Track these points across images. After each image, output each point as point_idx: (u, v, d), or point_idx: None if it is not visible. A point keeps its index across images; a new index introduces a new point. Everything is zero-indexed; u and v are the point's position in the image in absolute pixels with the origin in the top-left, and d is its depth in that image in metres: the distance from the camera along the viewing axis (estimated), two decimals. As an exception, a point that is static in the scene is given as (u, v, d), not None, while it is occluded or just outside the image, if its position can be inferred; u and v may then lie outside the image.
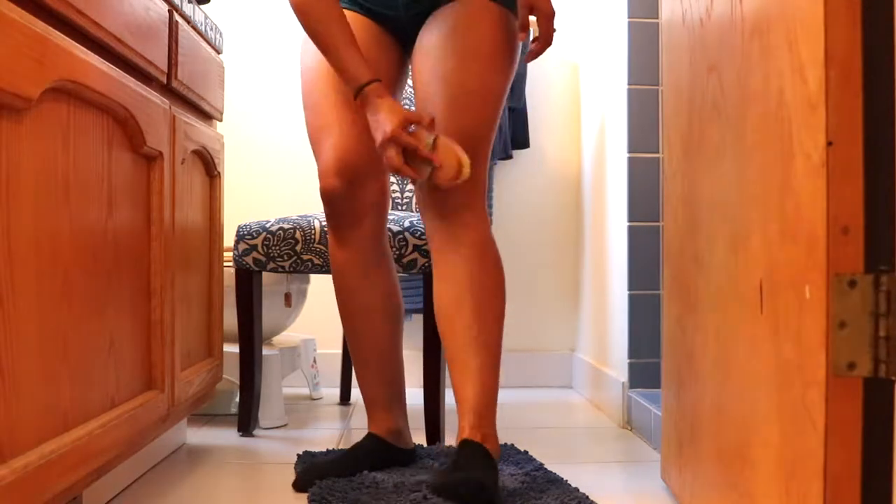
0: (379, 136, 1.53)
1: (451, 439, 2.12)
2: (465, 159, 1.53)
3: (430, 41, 1.66)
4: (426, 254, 2.05)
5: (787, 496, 1.02)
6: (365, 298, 1.76)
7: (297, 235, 2.10)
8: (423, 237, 2.07)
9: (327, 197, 1.69)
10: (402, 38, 1.77)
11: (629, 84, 2.35)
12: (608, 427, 2.34)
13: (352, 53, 1.56)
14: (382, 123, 1.53)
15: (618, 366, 2.44)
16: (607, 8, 2.60)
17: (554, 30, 1.73)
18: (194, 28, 1.79)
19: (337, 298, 1.78)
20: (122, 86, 1.31)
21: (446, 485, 1.46)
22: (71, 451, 1.13)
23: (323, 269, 2.12)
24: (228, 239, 2.48)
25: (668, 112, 1.70)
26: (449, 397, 2.59)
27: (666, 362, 1.72)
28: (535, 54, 1.74)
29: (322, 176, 1.69)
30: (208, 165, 1.93)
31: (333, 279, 1.77)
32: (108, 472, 1.36)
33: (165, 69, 1.57)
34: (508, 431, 2.26)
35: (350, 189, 1.68)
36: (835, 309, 0.92)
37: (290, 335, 2.75)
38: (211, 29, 1.93)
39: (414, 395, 2.75)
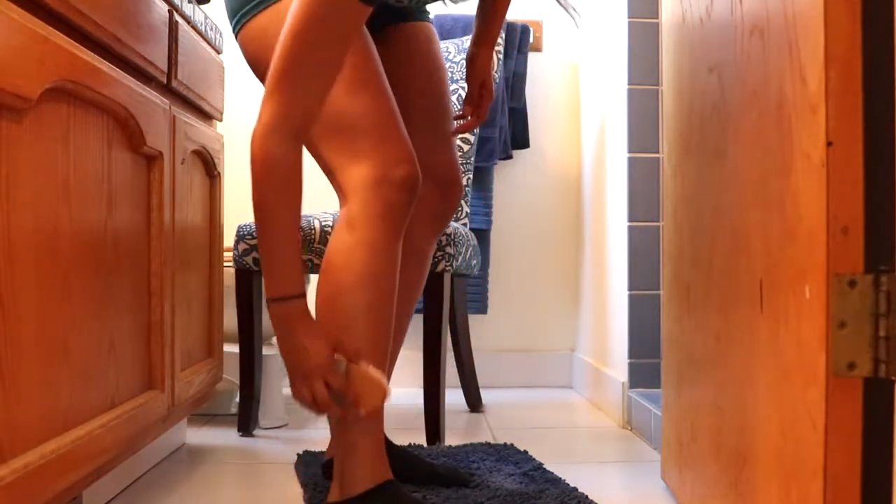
0: (306, 367, 1.31)
1: (451, 439, 2.12)
2: (384, 382, 1.33)
3: (436, 52, 1.69)
4: (426, 254, 2.05)
5: (787, 496, 1.02)
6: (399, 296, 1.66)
7: (297, 235, 2.10)
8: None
9: (412, 182, 1.45)
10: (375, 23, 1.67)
11: (629, 84, 2.35)
12: (608, 427, 2.34)
13: (295, 251, 1.32)
14: (310, 353, 1.31)
15: (618, 366, 2.44)
16: (607, 8, 2.60)
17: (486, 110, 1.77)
18: (194, 28, 1.79)
19: (382, 304, 1.45)
20: (122, 86, 1.31)
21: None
22: (71, 451, 1.13)
23: (323, 269, 2.12)
24: (228, 239, 2.48)
25: (668, 112, 1.70)
26: (449, 397, 2.59)
27: (666, 362, 1.72)
28: (466, 129, 1.74)
29: (404, 161, 1.44)
30: (208, 165, 1.93)
31: (380, 281, 1.44)
32: (108, 472, 1.36)
33: (165, 69, 1.57)
34: (508, 431, 2.26)
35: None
36: (835, 309, 0.92)
37: (290, 335, 2.75)
38: (211, 29, 1.93)
39: (414, 395, 2.76)
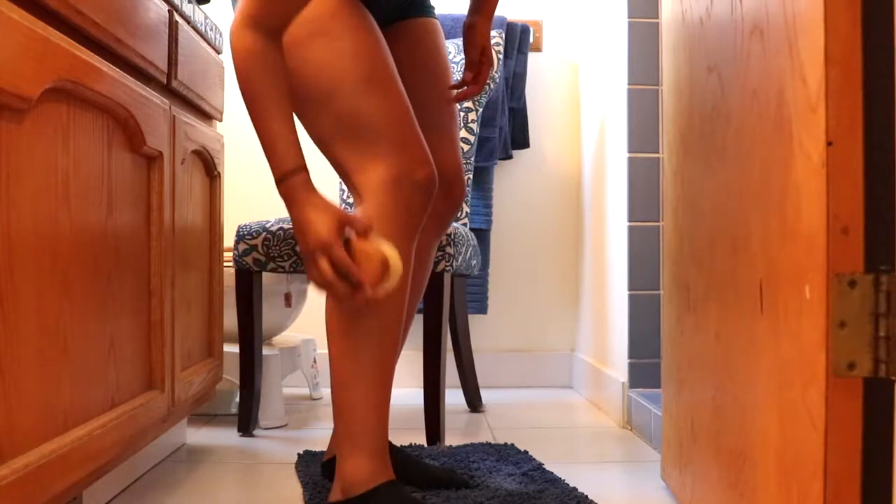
0: (310, 241, 1.31)
1: (451, 439, 2.12)
2: (393, 255, 1.32)
3: (441, 49, 1.69)
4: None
5: (787, 496, 1.02)
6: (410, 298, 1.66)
7: (297, 235, 2.10)
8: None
9: (430, 185, 1.45)
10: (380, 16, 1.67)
11: (629, 84, 2.35)
12: (608, 427, 2.34)
13: (288, 129, 1.35)
14: (314, 225, 1.31)
15: (618, 366, 2.44)
16: (607, 8, 2.60)
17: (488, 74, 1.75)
18: (194, 28, 1.79)
19: (394, 304, 1.44)
20: (122, 86, 1.31)
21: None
22: (71, 451, 1.13)
23: (323, 269, 2.12)
24: (228, 239, 2.48)
25: (668, 112, 1.70)
26: (449, 397, 2.59)
27: (666, 362, 1.72)
28: (467, 96, 1.70)
29: (423, 163, 1.45)
30: (208, 165, 1.93)
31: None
32: (108, 472, 1.36)
33: (165, 69, 1.57)
34: (508, 431, 2.26)
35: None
36: (835, 309, 0.92)
37: (290, 335, 2.75)
38: (211, 29, 1.93)
39: (414, 395, 2.76)
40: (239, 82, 1.37)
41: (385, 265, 1.31)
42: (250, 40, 1.34)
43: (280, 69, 1.37)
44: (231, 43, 1.36)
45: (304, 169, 1.35)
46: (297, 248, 2.09)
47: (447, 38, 2.80)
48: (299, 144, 1.36)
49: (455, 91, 1.70)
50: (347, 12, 1.46)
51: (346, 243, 1.32)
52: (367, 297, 1.31)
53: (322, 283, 1.31)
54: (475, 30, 1.72)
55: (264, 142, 1.36)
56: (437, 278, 2.06)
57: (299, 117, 1.51)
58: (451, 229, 2.07)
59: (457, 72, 2.52)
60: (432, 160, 1.47)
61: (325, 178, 2.46)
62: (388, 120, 1.44)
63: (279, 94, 1.36)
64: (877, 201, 0.92)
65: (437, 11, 1.68)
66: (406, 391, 2.87)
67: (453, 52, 2.56)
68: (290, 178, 1.34)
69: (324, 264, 1.30)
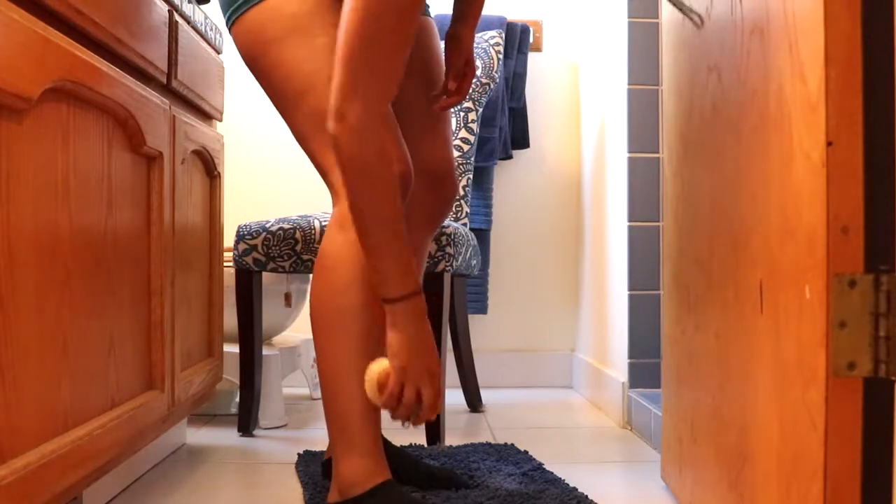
0: (431, 366, 1.35)
1: (451, 439, 2.12)
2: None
3: (436, 47, 1.70)
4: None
5: (787, 496, 1.02)
6: None
7: (298, 235, 2.10)
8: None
9: (404, 181, 1.47)
10: None
11: (629, 84, 2.35)
12: (608, 427, 2.34)
13: (407, 247, 1.33)
14: (432, 354, 1.35)
15: (618, 366, 2.44)
16: (607, 8, 2.60)
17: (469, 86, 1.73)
18: (194, 28, 1.79)
19: (375, 302, 1.47)
20: (122, 86, 1.31)
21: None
22: (71, 451, 1.13)
23: (323, 269, 2.12)
24: (228, 239, 2.48)
25: (668, 112, 1.70)
26: (449, 397, 2.59)
27: (666, 362, 1.72)
28: (449, 105, 1.69)
29: (398, 160, 1.45)
30: (208, 165, 1.93)
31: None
32: (108, 472, 1.36)
33: (165, 69, 1.57)
34: (508, 431, 2.26)
35: None
36: (835, 309, 0.92)
37: (290, 335, 2.75)
38: (211, 29, 1.93)
39: (414, 395, 2.76)
40: (360, 193, 1.30)
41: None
42: (371, 140, 1.29)
43: (395, 175, 1.33)
44: (350, 151, 1.29)
45: (422, 292, 1.36)
46: (297, 248, 2.10)
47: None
48: (414, 263, 1.35)
49: (440, 99, 1.71)
50: (327, 10, 1.46)
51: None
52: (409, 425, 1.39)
53: (407, 405, 1.34)
54: (461, 40, 1.71)
55: (385, 260, 1.32)
56: (437, 278, 2.06)
57: (280, 114, 1.53)
58: (450, 229, 2.07)
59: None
60: (408, 157, 1.46)
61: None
62: None
63: (398, 209, 1.32)
64: (877, 201, 0.92)
65: (438, 12, 1.69)
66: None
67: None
68: (415, 298, 1.33)
69: (427, 391, 1.34)
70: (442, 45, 1.73)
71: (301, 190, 2.91)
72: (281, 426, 2.31)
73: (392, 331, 1.34)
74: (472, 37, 1.73)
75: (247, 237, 2.13)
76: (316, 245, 2.09)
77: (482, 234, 2.93)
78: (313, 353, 2.75)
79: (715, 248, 1.34)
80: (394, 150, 1.44)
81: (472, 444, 1.99)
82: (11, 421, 0.99)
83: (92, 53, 1.21)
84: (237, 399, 2.44)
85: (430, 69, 1.68)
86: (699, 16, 1.40)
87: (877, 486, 0.92)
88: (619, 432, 2.27)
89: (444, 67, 1.72)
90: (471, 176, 2.57)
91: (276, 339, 2.59)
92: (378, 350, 1.44)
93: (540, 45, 3.08)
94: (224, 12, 1.56)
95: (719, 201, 1.32)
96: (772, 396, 1.07)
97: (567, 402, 2.77)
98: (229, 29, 1.56)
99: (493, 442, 2.07)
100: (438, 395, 1.36)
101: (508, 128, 2.94)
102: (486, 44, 2.60)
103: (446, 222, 2.10)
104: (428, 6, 1.75)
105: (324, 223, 2.10)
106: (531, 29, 2.97)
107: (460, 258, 2.15)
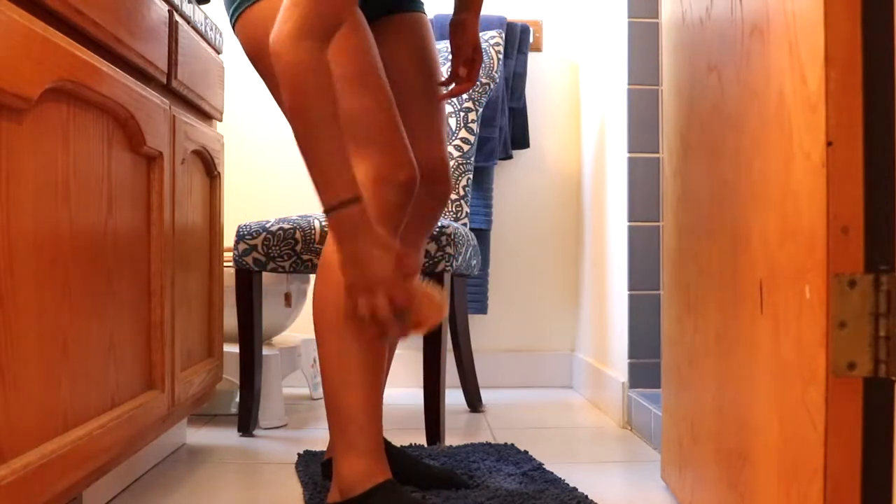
0: (372, 276, 1.27)
1: (451, 439, 2.12)
2: (443, 297, 1.33)
3: (430, 44, 1.68)
4: (426, 254, 2.05)
5: (787, 496, 1.02)
6: None
7: (298, 235, 2.10)
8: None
9: (411, 186, 1.45)
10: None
11: (629, 84, 2.35)
12: (608, 427, 2.34)
13: (344, 154, 1.26)
14: (379, 261, 1.26)
15: (618, 366, 2.44)
16: (607, 8, 2.60)
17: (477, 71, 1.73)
18: (194, 28, 1.79)
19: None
20: (122, 86, 1.31)
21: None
22: (71, 451, 1.13)
23: (323, 269, 2.12)
24: (228, 239, 2.48)
25: (668, 112, 1.70)
26: (449, 397, 2.59)
27: (666, 362, 1.72)
28: (459, 93, 1.69)
29: (405, 164, 1.44)
30: (208, 165, 1.93)
31: None
32: (107, 472, 1.36)
33: (165, 69, 1.57)
34: (508, 431, 2.26)
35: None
36: (835, 309, 0.92)
37: (290, 335, 2.75)
38: (211, 29, 1.93)
39: (414, 395, 2.76)
40: (290, 99, 1.26)
41: (439, 306, 1.31)
42: (304, 51, 1.24)
43: (332, 81, 1.27)
44: (281, 57, 1.25)
45: (362, 199, 1.28)
46: (297, 248, 2.10)
47: (446, 37, 2.80)
48: (353, 171, 1.28)
49: (446, 88, 1.70)
50: None
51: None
52: (418, 333, 1.31)
53: (379, 320, 1.28)
54: (466, 26, 1.71)
55: (317, 166, 1.26)
56: (437, 278, 2.06)
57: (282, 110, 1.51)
58: (450, 229, 2.07)
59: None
60: (415, 162, 1.46)
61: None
62: (374, 121, 1.43)
63: (334, 116, 1.26)
64: (877, 201, 0.92)
65: (437, 12, 1.69)
66: (406, 391, 2.88)
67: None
68: (349, 207, 1.26)
69: (383, 301, 1.27)
70: (442, 45, 1.73)
71: (301, 190, 2.91)
72: (281, 426, 2.31)
73: (336, 246, 1.30)
74: (477, 23, 1.73)
75: (247, 237, 2.13)
76: (316, 245, 2.09)
77: (482, 234, 2.93)
78: (313, 353, 2.75)
79: (715, 248, 1.34)
80: (401, 155, 1.44)
81: (472, 444, 1.99)
82: (11, 421, 0.99)
83: (92, 53, 1.21)
84: (237, 399, 2.44)
85: (423, 66, 1.67)
86: None
87: (877, 487, 0.92)
88: (619, 432, 2.27)
89: (438, 63, 1.72)
90: (471, 176, 2.57)
91: (276, 339, 2.59)
92: (381, 349, 1.44)
93: (540, 45, 3.08)
94: (227, 9, 1.56)
95: (719, 201, 1.32)
96: (772, 396, 1.07)
97: (567, 402, 2.77)
98: (233, 26, 1.56)
99: (493, 442, 2.07)
100: (409, 296, 1.28)
101: (508, 128, 2.94)
102: (487, 44, 2.60)
103: (446, 222, 2.10)
104: (421, 2, 1.73)
105: (324, 223, 2.10)
106: (531, 29, 2.97)
107: (460, 258, 2.15)
